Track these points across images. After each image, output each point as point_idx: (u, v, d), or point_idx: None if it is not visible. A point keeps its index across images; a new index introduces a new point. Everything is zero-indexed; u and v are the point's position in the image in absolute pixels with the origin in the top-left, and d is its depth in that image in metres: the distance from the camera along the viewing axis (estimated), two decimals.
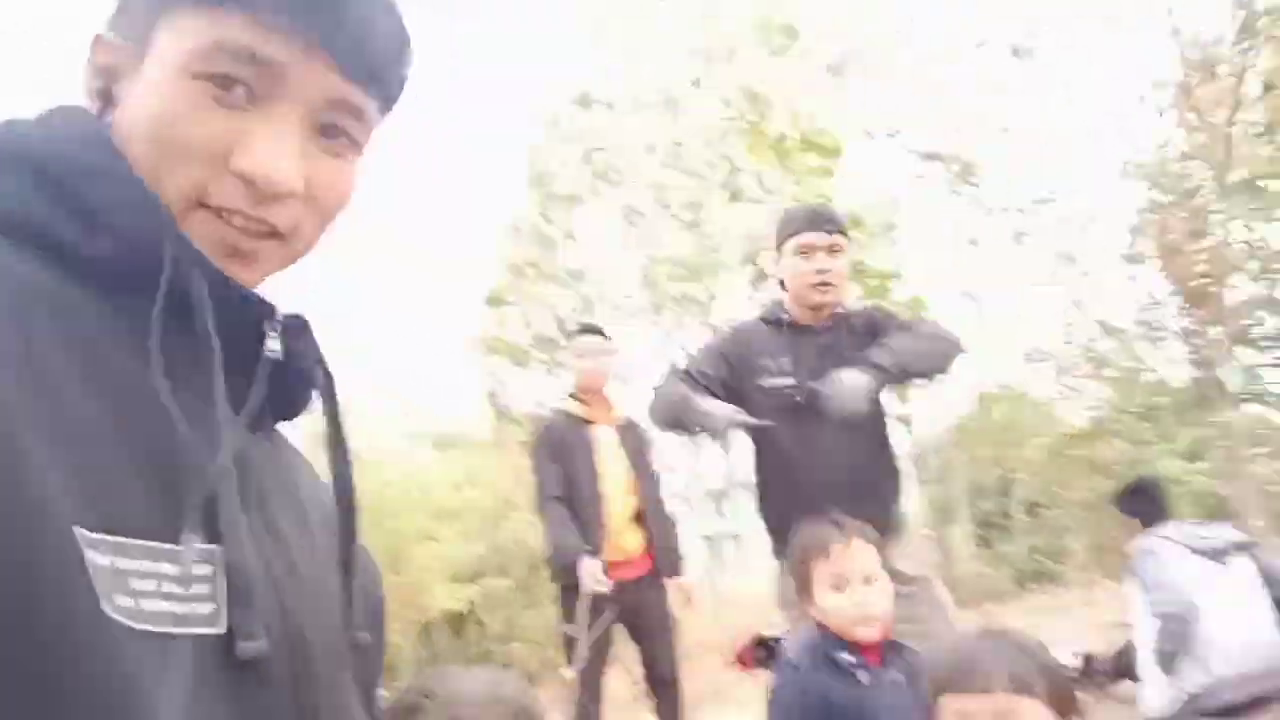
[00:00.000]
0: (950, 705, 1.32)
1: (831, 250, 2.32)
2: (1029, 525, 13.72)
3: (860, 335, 2.41)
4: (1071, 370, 8.82)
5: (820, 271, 2.30)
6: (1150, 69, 5.79)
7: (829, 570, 1.72)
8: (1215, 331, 5.78)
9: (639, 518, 3.51)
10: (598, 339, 3.66)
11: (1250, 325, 7.90)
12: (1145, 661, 3.89)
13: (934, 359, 2.37)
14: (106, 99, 0.64)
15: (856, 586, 1.71)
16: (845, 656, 1.70)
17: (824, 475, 2.31)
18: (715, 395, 2.33)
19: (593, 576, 3.23)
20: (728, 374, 2.40)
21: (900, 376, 2.36)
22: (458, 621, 8.74)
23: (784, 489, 2.40)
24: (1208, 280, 5.60)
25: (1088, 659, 2.97)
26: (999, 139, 5.96)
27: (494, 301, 7.21)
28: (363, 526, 0.69)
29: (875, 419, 2.40)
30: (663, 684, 3.46)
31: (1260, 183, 7.86)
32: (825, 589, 1.73)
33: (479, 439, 8.75)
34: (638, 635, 3.50)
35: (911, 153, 6.06)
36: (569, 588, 3.33)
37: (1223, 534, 3.83)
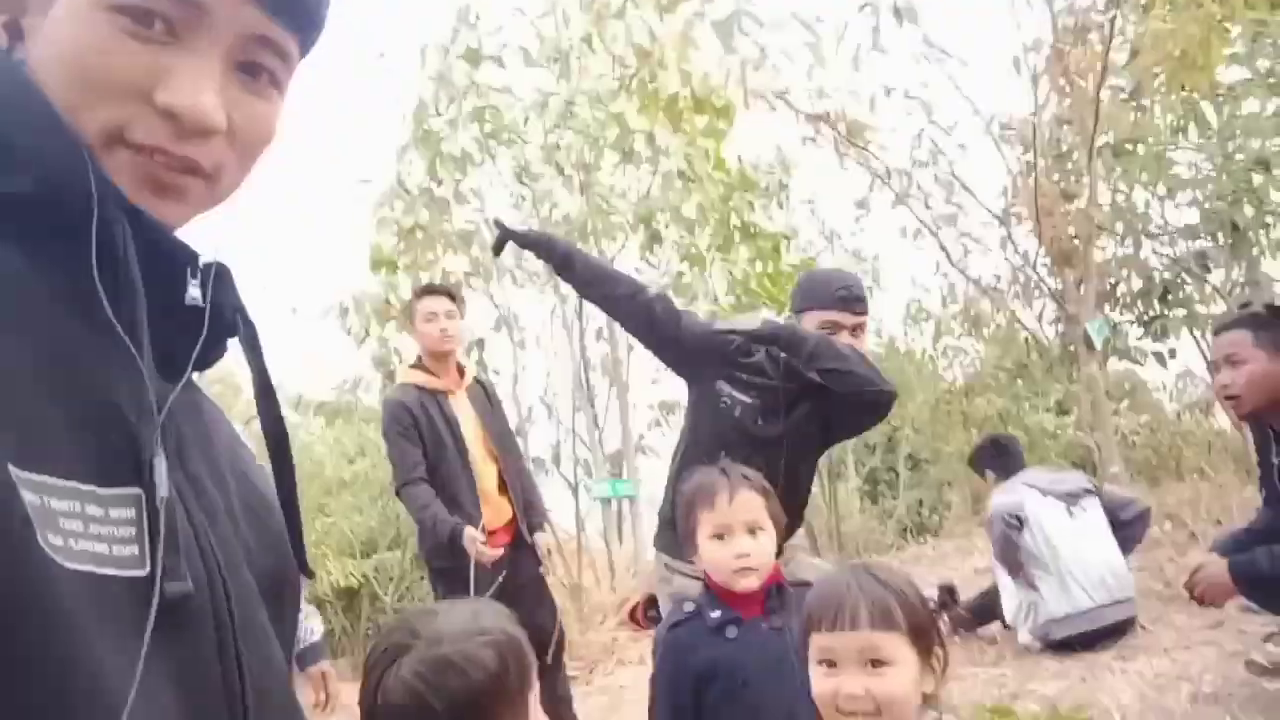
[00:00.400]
0: (817, 643, 1.35)
1: (855, 331, 2.32)
2: (913, 480, 14.35)
3: None
4: (951, 329, 9.19)
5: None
6: (1025, 33, 5.97)
7: (713, 520, 1.71)
8: (1082, 290, 6.06)
9: (502, 482, 3.45)
10: (444, 300, 3.45)
11: (1115, 284, 8.37)
12: (1002, 584, 4.14)
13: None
14: (14, 33, 0.61)
15: (739, 536, 1.69)
16: (712, 615, 1.70)
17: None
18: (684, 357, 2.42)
19: (480, 546, 3.17)
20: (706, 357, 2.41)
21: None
22: (351, 596, 8.56)
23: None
24: (1076, 241, 5.87)
25: (946, 590, 3.12)
26: (882, 101, 6.08)
27: (381, 266, 6.97)
28: None
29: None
30: (542, 644, 3.44)
31: (1127, 146, 8.29)
32: (707, 539, 1.71)
33: (369, 409, 8.53)
34: (513, 599, 3.45)
35: (799, 114, 6.11)
36: (443, 569, 3.26)
37: (1073, 479, 4.08)
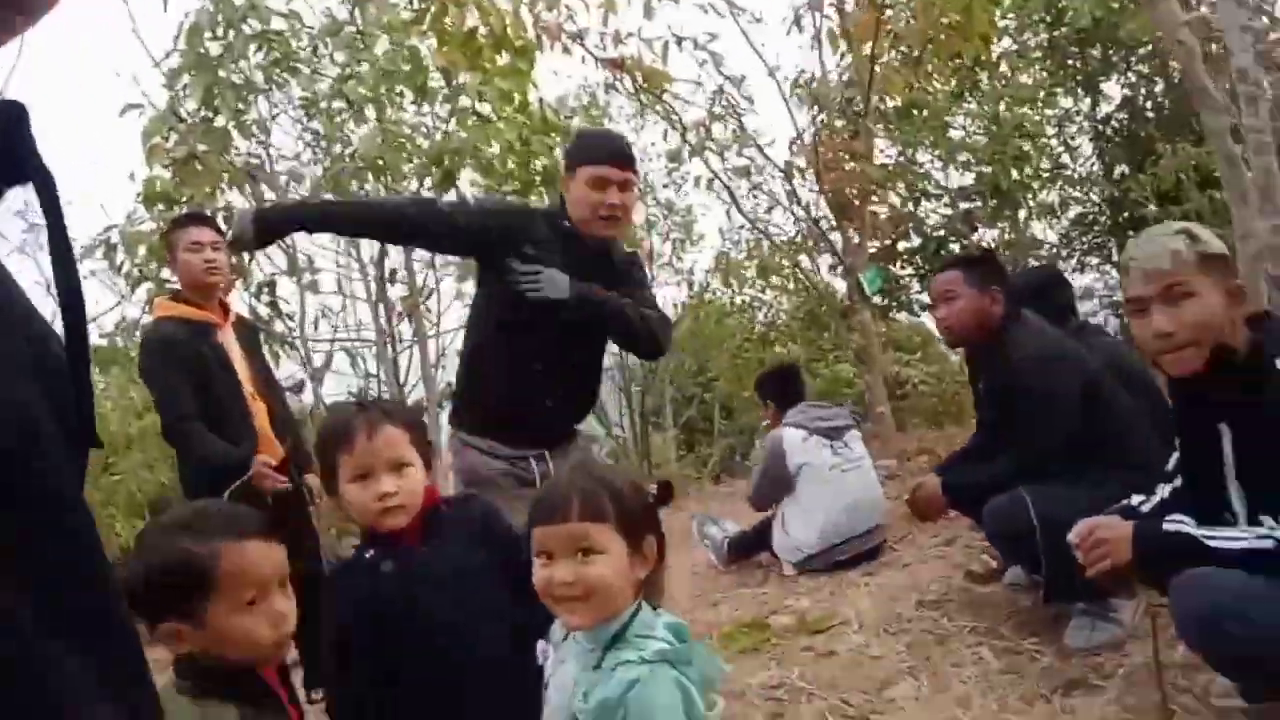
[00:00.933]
0: (536, 537, 1.42)
1: (623, 187, 2.41)
2: (730, 428, 15.01)
3: (618, 271, 2.55)
4: (751, 280, 9.61)
5: (610, 206, 2.39)
6: None
7: (352, 462, 1.64)
8: (857, 243, 6.46)
9: (272, 423, 3.36)
10: (208, 229, 3.29)
11: (895, 241, 9.01)
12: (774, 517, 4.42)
13: (643, 345, 2.56)
14: None
15: (381, 476, 1.63)
16: (366, 555, 1.68)
17: (541, 372, 2.42)
18: (463, 236, 2.42)
19: (272, 476, 3.09)
20: (489, 234, 2.43)
21: (608, 330, 2.52)
22: None
23: (496, 379, 2.47)
24: (854, 197, 6.25)
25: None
26: (675, 52, 6.18)
27: (155, 201, 6.43)
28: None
29: (598, 335, 2.56)
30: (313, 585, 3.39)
31: (912, 110, 8.85)
32: (348, 482, 1.64)
33: None
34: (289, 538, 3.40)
35: (597, 60, 6.12)
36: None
37: (839, 415, 4.38)
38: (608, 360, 2.81)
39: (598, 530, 1.38)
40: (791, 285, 8.54)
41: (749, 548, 4.62)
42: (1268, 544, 1.81)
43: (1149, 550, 1.93)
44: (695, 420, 15.72)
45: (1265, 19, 5.19)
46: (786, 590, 4.11)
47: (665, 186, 11.30)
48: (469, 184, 6.26)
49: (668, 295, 13.03)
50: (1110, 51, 10.14)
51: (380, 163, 6.33)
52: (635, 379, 13.63)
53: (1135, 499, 2.18)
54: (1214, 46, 4.80)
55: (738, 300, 11.70)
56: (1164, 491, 2.19)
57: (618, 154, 2.46)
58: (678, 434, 15.22)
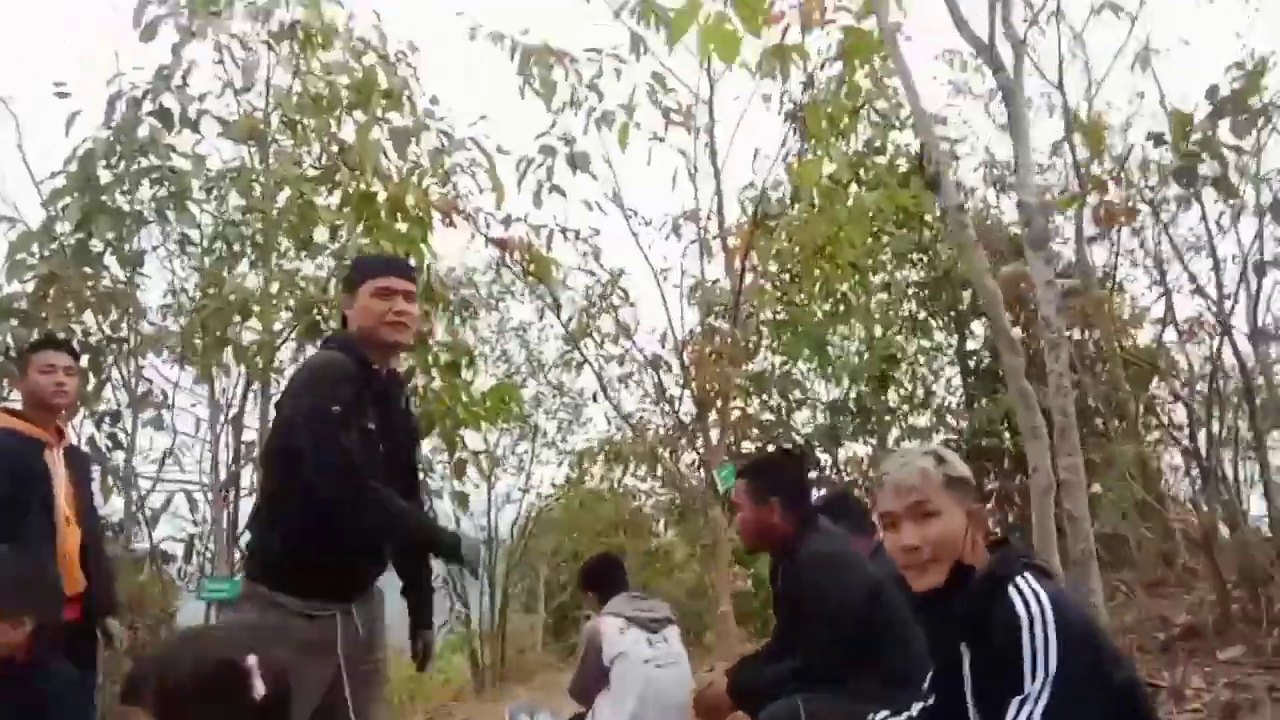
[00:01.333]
0: None
1: (407, 298, 2.45)
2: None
3: (406, 398, 2.62)
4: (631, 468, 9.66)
5: (398, 312, 2.41)
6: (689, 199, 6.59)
7: None
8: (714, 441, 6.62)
9: (82, 555, 3.28)
10: (64, 355, 3.41)
11: (766, 444, 9.28)
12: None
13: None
14: None
15: None
16: None
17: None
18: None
19: None
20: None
21: None
22: None
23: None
24: (717, 396, 6.48)
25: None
26: (560, 241, 6.50)
27: (6, 315, 6.20)
28: None
29: None
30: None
31: (792, 323, 9.32)
32: None
33: None
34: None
35: (487, 239, 6.36)
36: None
37: (658, 607, 4.32)
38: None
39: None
40: (660, 475, 8.65)
41: None
42: None
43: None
44: (568, 606, 15.21)
45: (1068, 279, 5.78)
46: None
47: (557, 367, 11.47)
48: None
49: (547, 475, 12.95)
50: (978, 294, 11.08)
51: (255, 308, 6.31)
52: (505, 558, 13.25)
53: (880, 716, 2.18)
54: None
55: (618, 487, 11.70)
56: (915, 710, 2.19)
57: (400, 266, 2.56)
58: (546, 619, 14.66)
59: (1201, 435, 5.73)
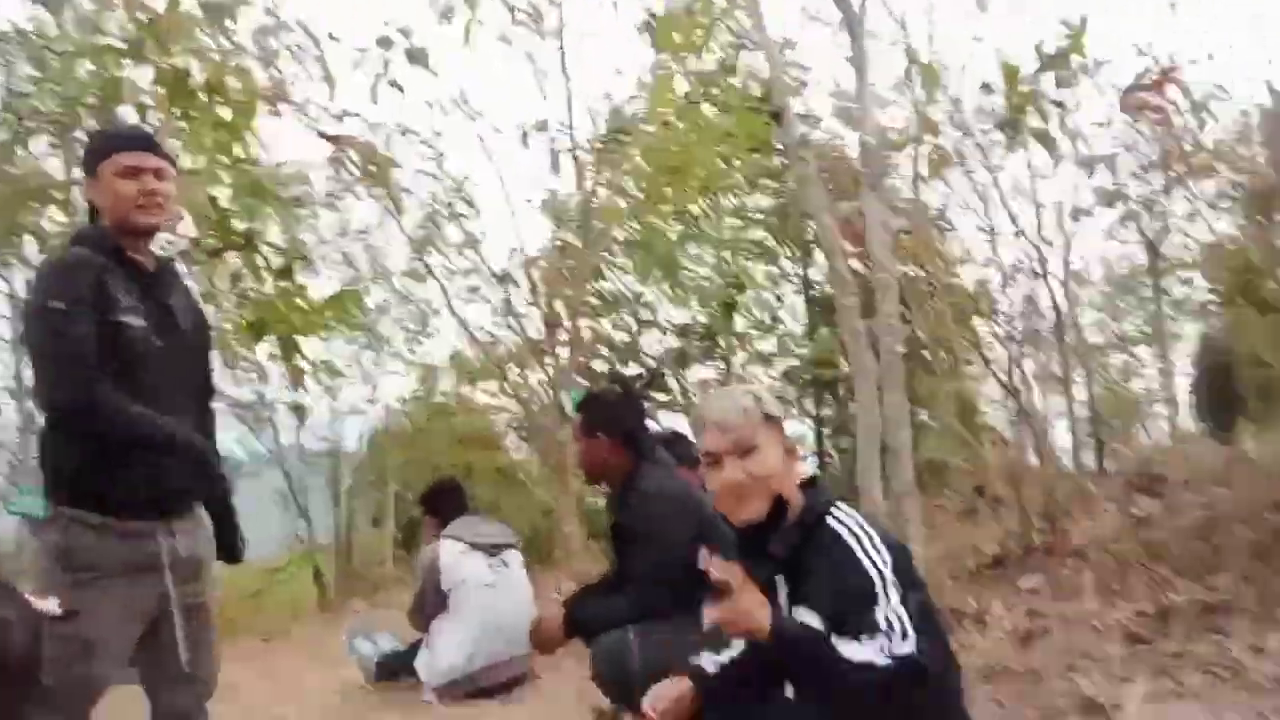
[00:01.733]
0: None
1: (159, 175, 2.12)
2: None
3: (181, 285, 2.30)
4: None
5: (150, 191, 2.09)
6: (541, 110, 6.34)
7: None
8: (565, 359, 6.54)
9: None
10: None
11: (613, 366, 9.28)
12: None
13: None
14: None
15: None
16: None
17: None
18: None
19: None
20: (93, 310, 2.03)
21: None
22: None
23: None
24: (568, 316, 6.35)
25: None
26: (402, 143, 6.11)
27: None
28: None
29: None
30: None
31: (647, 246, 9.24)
32: None
33: None
34: None
35: (320, 133, 5.90)
36: None
37: (500, 532, 4.26)
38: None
39: None
40: (510, 393, 8.49)
41: (399, 668, 4.30)
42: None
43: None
44: (418, 521, 14.93)
45: (901, 220, 5.95)
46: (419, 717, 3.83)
47: (405, 274, 10.89)
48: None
49: (393, 387, 12.49)
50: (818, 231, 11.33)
51: (56, 195, 5.63)
52: (351, 472, 12.82)
53: (705, 657, 2.18)
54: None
55: (467, 403, 11.43)
56: (737, 648, 2.21)
57: (144, 139, 2.21)
58: (396, 533, 14.37)
59: (1017, 373, 6.13)
